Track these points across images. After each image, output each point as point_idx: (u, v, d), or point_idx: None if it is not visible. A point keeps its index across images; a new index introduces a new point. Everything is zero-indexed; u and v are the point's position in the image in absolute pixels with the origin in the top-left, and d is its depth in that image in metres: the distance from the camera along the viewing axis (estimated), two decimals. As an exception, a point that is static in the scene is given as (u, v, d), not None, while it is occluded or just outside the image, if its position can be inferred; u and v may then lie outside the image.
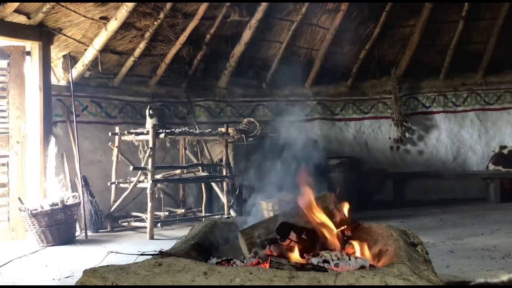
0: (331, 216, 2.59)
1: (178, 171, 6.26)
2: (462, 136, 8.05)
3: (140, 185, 5.76)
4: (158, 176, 5.77)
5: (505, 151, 7.62)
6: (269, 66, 7.75)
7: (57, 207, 5.11)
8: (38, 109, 5.73)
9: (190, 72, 7.37)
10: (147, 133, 5.64)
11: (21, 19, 5.51)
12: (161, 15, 6.37)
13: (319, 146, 7.21)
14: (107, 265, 1.94)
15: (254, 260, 2.32)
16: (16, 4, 5.28)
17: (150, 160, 5.51)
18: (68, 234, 5.18)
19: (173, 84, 7.34)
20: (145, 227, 5.47)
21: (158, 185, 5.78)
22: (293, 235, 2.43)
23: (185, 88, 7.39)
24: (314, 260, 2.19)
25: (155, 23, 6.42)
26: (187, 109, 7.44)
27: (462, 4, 7.49)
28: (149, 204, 5.42)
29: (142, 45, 6.57)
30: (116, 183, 5.92)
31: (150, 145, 5.54)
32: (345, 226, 2.58)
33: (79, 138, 5.95)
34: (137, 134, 5.80)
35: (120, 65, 6.71)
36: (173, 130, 5.80)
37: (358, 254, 2.38)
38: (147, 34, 6.49)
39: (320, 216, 2.54)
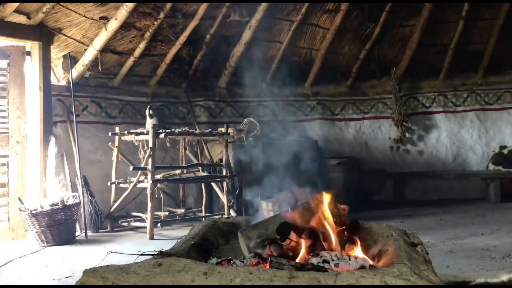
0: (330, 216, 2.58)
1: (178, 171, 6.26)
2: (462, 136, 8.05)
3: (140, 185, 5.76)
4: (158, 176, 5.77)
5: (505, 151, 7.62)
6: (269, 66, 7.75)
7: (57, 207, 5.11)
8: (38, 109, 5.73)
9: (190, 72, 7.38)
10: (147, 133, 5.64)
11: (21, 19, 5.51)
12: (161, 15, 6.37)
13: (319, 146, 7.21)
14: (107, 265, 1.94)
15: (254, 260, 2.32)
16: (16, 4, 5.27)
17: (150, 160, 5.51)
18: (68, 234, 5.18)
19: (173, 84, 7.34)
20: (145, 227, 5.47)
21: (158, 185, 5.78)
22: (293, 235, 2.43)
23: (185, 88, 7.39)
24: (314, 260, 2.19)
25: (155, 23, 6.42)
26: (187, 109, 7.44)
27: (462, 4, 7.49)
28: (149, 204, 5.42)
29: (142, 45, 6.58)
30: (116, 183, 5.92)
31: (150, 145, 5.54)
32: (345, 226, 2.58)
33: (79, 138, 5.95)
34: (137, 134, 5.80)
35: (120, 65, 6.71)
36: (173, 130, 5.80)
37: (358, 254, 2.38)
38: (147, 34, 6.49)
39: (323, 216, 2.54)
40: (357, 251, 2.38)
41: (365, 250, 2.43)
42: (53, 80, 6.06)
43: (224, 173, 6.17)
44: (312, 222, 2.55)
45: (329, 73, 8.04)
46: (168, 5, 6.32)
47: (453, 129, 8.08)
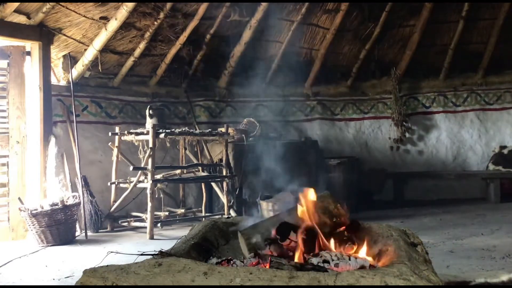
0: (331, 216, 2.58)
1: (178, 171, 6.26)
2: (462, 136, 8.05)
3: (140, 185, 5.76)
4: (158, 176, 5.77)
5: (505, 151, 7.62)
6: (269, 66, 7.74)
7: (57, 207, 5.11)
8: (38, 109, 5.73)
9: (190, 72, 7.37)
10: (147, 133, 5.64)
11: (21, 19, 5.51)
12: (161, 15, 6.37)
13: (318, 146, 7.21)
14: (107, 265, 1.94)
15: (254, 260, 2.32)
16: (16, 4, 5.27)
17: (150, 160, 5.50)
18: (68, 234, 5.18)
19: (173, 84, 7.34)
20: (145, 227, 5.47)
21: (158, 185, 5.78)
22: (293, 235, 2.43)
23: (185, 88, 7.39)
24: (314, 260, 2.19)
25: (155, 23, 6.42)
26: (187, 109, 7.44)
27: (462, 4, 7.49)
28: (149, 204, 5.41)
29: (142, 45, 6.58)
30: (116, 183, 5.92)
31: (150, 145, 5.54)
32: (345, 226, 2.58)
33: (79, 138, 5.95)
34: (137, 134, 5.80)
35: (120, 65, 6.71)
36: (173, 130, 5.80)
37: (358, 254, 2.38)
38: (147, 34, 6.49)
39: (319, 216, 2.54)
40: (362, 251, 2.37)
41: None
42: (53, 80, 6.06)
43: (224, 173, 6.18)
44: (310, 221, 2.55)
45: (329, 73, 8.05)
46: (168, 5, 6.32)
47: (453, 129, 8.08)
